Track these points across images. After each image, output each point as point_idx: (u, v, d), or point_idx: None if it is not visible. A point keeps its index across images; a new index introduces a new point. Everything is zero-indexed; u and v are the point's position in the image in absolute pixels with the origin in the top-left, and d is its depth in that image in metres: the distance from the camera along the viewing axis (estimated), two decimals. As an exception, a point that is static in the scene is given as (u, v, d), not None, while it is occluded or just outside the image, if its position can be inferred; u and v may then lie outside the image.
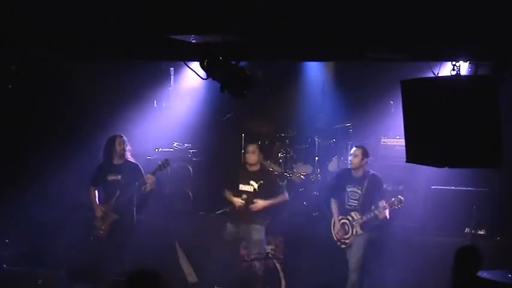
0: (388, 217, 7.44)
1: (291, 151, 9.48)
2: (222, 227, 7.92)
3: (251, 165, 7.79)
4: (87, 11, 4.93)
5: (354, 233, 7.52)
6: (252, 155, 7.75)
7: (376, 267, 7.87)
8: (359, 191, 7.57)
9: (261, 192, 7.68)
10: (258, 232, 7.71)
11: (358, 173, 7.64)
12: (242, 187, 7.75)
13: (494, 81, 4.92)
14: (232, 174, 8.03)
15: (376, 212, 7.40)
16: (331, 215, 7.75)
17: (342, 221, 7.62)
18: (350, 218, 7.55)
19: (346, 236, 7.58)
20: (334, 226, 7.69)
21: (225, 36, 5.53)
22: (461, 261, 5.18)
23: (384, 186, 7.72)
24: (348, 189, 7.63)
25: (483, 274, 5.31)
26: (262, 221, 7.76)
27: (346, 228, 7.58)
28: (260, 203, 7.62)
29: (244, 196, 7.65)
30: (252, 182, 7.73)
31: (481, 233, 7.94)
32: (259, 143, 9.48)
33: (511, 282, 6.09)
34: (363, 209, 7.52)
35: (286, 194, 7.92)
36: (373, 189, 7.55)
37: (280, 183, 8.25)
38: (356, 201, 7.58)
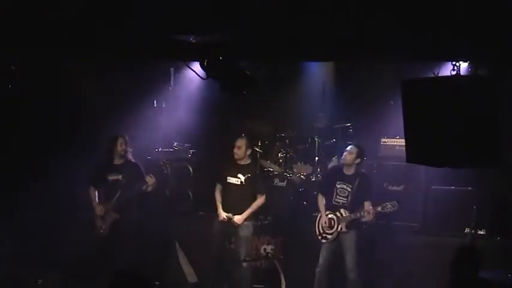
0: (373, 219, 7.39)
1: (291, 151, 9.45)
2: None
3: (238, 159, 7.85)
4: (87, 11, 4.93)
5: (339, 229, 7.49)
6: (238, 150, 7.80)
7: (375, 267, 7.88)
8: (349, 189, 7.57)
9: (246, 185, 7.75)
10: (245, 228, 7.72)
11: (350, 171, 7.64)
12: (230, 179, 7.83)
13: (494, 81, 4.91)
14: (221, 167, 8.10)
15: (362, 212, 7.39)
16: (318, 211, 7.74)
17: (330, 215, 7.60)
18: (338, 215, 7.53)
19: (330, 231, 7.54)
20: (319, 220, 7.66)
21: (225, 36, 5.54)
22: (461, 261, 5.17)
23: (384, 185, 7.71)
24: (338, 186, 7.63)
25: (483, 274, 5.30)
26: (249, 219, 7.76)
27: (332, 223, 7.55)
28: (238, 218, 7.65)
29: (229, 215, 7.64)
30: (239, 175, 7.81)
31: (481, 233, 7.94)
32: (259, 143, 9.53)
33: (511, 282, 6.10)
34: (352, 206, 7.51)
35: (264, 197, 7.88)
36: (363, 188, 7.55)
37: (260, 184, 8.05)
38: (345, 199, 7.58)
